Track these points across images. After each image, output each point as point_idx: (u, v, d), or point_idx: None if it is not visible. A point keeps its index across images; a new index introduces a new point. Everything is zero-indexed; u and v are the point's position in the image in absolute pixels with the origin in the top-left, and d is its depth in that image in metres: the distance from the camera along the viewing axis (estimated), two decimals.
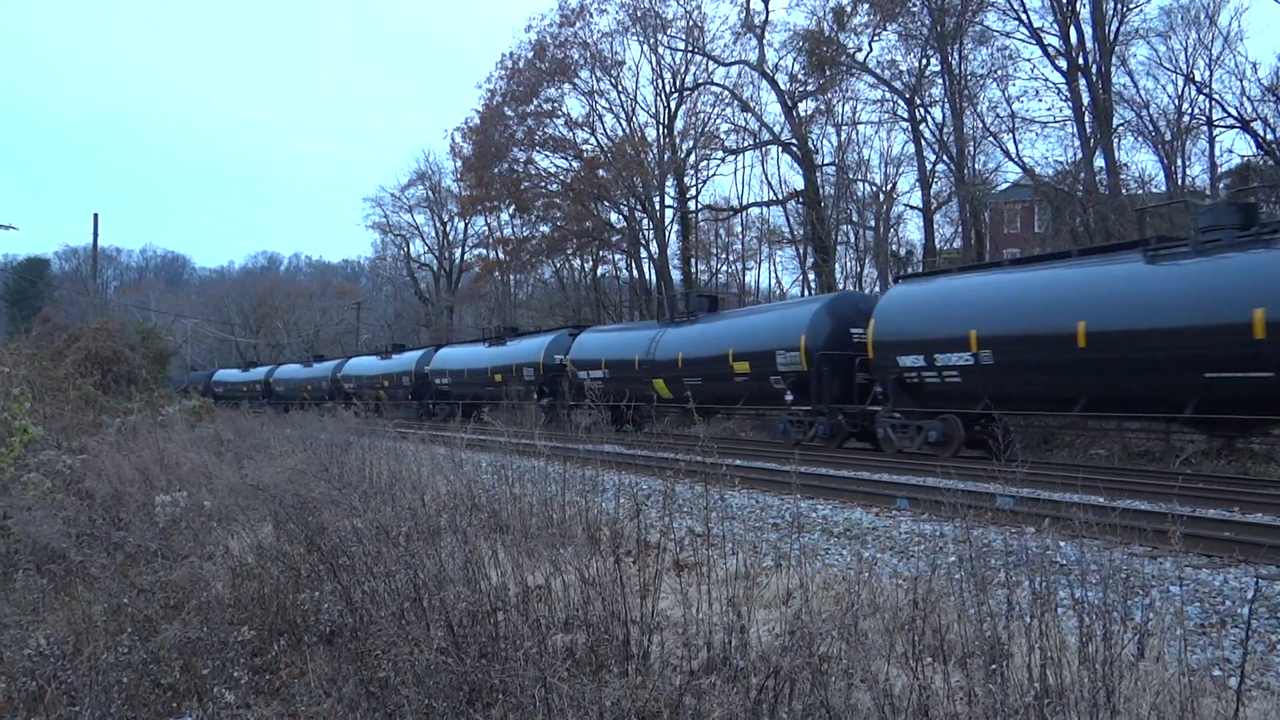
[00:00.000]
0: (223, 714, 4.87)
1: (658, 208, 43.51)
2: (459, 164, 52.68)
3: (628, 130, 44.86)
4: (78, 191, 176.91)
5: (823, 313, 21.50)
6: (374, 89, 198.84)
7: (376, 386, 46.58)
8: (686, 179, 44.58)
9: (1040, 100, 54.20)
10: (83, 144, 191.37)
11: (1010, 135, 33.01)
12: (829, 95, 38.71)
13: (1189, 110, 29.36)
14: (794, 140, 38.93)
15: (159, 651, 5.51)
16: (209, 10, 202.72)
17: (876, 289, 34.72)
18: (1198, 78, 28.26)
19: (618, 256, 49.14)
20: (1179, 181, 29.01)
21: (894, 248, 41.08)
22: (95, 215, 44.00)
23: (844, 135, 39.84)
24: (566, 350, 31.60)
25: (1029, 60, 33.16)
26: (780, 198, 43.14)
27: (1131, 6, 28.74)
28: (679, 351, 25.71)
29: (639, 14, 42.06)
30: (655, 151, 44.12)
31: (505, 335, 37.43)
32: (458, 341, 47.95)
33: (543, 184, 46.97)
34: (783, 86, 39.13)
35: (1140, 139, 30.80)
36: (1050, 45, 29.94)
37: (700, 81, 43.38)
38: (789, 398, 21.47)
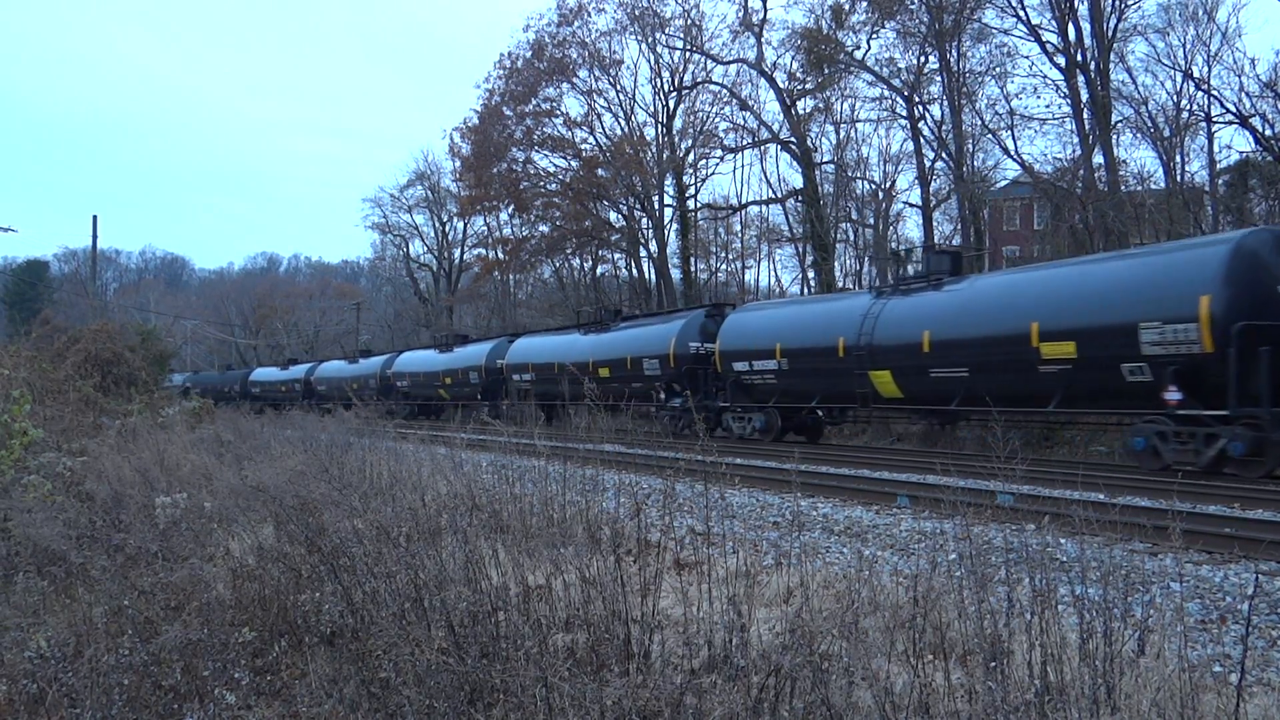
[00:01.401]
0: (224, 715, 4.87)
1: (657, 207, 43.56)
2: (458, 164, 52.79)
3: (626, 129, 44.91)
4: (76, 193, 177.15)
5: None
6: (373, 88, 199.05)
7: (436, 384, 42.99)
8: (685, 178, 44.61)
9: (1039, 97, 54.24)
10: (81, 145, 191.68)
11: (1009, 132, 33.05)
12: (827, 93, 38.75)
13: (1187, 106, 29.35)
14: (793, 138, 38.93)
15: (160, 653, 5.51)
16: (207, 9, 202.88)
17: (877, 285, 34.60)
18: (1196, 74, 28.25)
19: (617, 256, 49.21)
20: (1178, 178, 28.99)
21: (893, 245, 41.09)
22: (94, 217, 44.08)
23: (843, 133, 39.92)
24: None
25: (1027, 57, 33.23)
26: (779, 196, 43.18)
27: (1130, 3, 28.77)
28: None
29: (637, 13, 42.12)
30: (654, 150, 44.14)
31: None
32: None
33: (542, 183, 46.99)
34: (781, 85, 39.16)
35: (1139, 135, 30.80)
36: (1049, 42, 29.96)
37: (699, 80, 43.44)
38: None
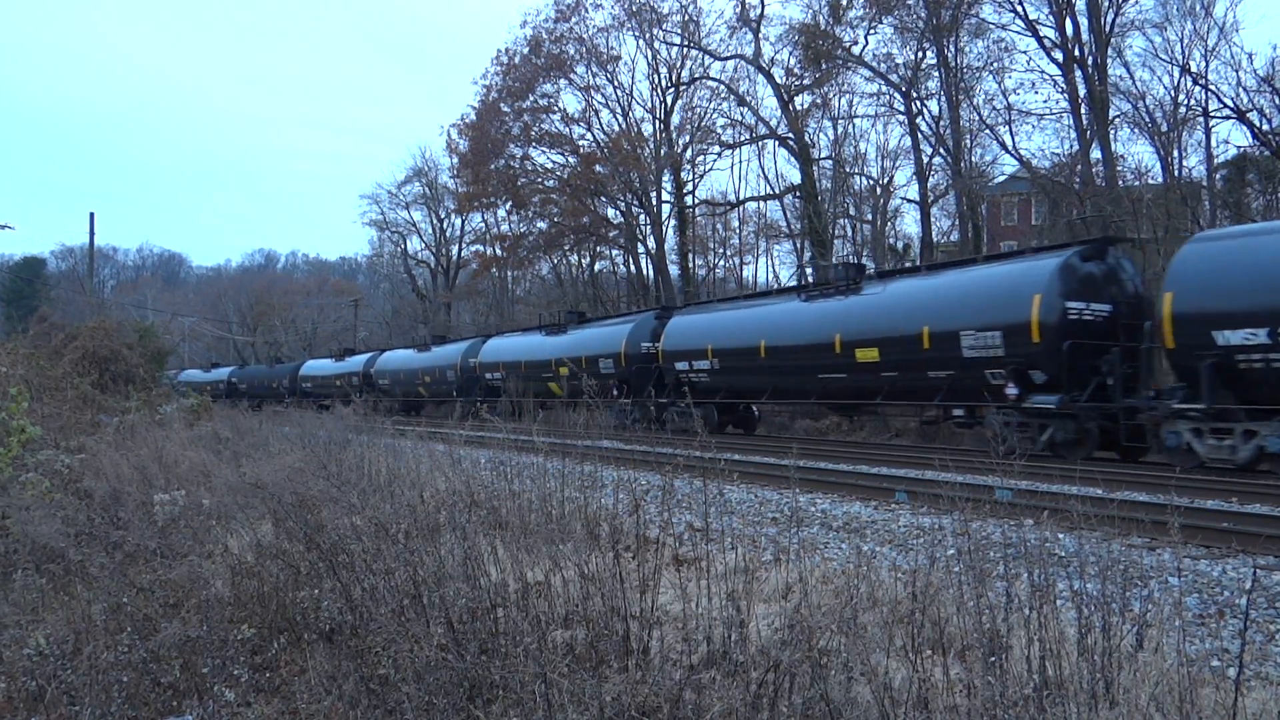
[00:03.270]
0: (223, 712, 4.87)
1: (655, 203, 43.52)
2: (455, 160, 52.73)
3: (624, 125, 44.87)
4: (73, 190, 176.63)
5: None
6: (371, 82, 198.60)
7: (548, 375, 42.78)
8: (683, 174, 44.61)
9: (1036, 92, 54.60)
10: (78, 141, 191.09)
11: (1007, 128, 33.06)
12: (825, 89, 38.74)
13: (1185, 101, 29.35)
14: (790, 134, 38.92)
15: (159, 650, 5.51)
16: (204, 2, 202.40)
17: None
18: (1194, 69, 28.24)
19: (615, 252, 49.19)
20: (1175, 173, 29.01)
21: (891, 241, 41.11)
22: (91, 214, 44.10)
23: (840, 129, 39.89)
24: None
25: (1025, 52, 33.39)
26: (777, 192, 43.16)
27: None
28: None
29: (635, 9, 42.06)
30: (652, 146, 44.11)
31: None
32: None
33: (539, 180, 46.98)
34: (779, 80, 39.14)
35: (1137, 130, 30.79)
36: (1046, 37, 29.95)
37: (696, 76, 43.40)
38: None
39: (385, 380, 44.42)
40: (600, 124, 45.29)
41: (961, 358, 17.40)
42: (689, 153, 44.41)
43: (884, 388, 19.52)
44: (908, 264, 33.33)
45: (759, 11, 39.83)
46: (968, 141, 34.35)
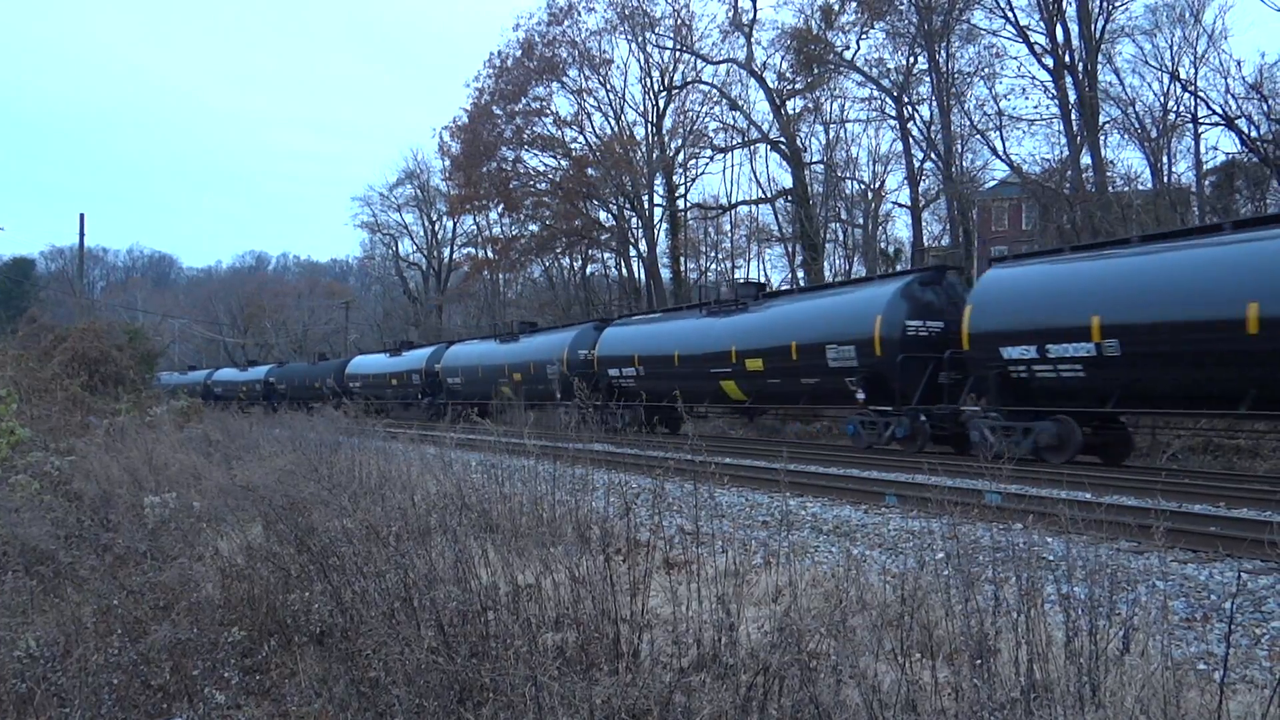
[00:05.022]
0: (213, 715, 4.87)
1: (647, 206, 43.59)
2: (447, 163, 52.80)
3: (616, 129, 44.93)
4: (63, 191, 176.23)
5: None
6: (362, 82, 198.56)
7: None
8: (675, 177, 44.69)
9: (1027, 98, 54.33)
10: (68, 141, 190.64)
11: (997, 133, 33.19)
12: (817, 93, 38.85)
13: (1174, 108, 29.53)
14: (782, 138, 39.03)
15: (149, 653, 5.50)
16: (194, 1, 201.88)
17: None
18: (1183, 75, 28.43)
19: (607, 255, 49.21)
20: (1165, 179, 29.17)
21: (882, 245, 41.20)
22: (81, 215, 43.83)
23: (832, 133, 40.00)
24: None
25: (1016, 58, 33.54)
26: (769, 196, 43.25)
27: (1117, 4, 28.95)
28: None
29: (627, 12, 42.14)
30: (644, 150, 44.17)
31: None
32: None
33: (531, 183, 47.00)
34: (771, 85, 39.23)
35: (1126, 136, 31.00)
36: (1037, 43, 30.13)
37: (688, 80, 43.51)
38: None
39: (458, 379, 37.34)
40: (592, 127, 45.39)
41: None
42: (681, 156, 44.53)
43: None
44: (899, 266, 33.71)
45: (751, 16, 40.03)
46: (959, 146, 34.51)
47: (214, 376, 64.06)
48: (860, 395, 19.19)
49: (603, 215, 46.13)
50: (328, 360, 54.50)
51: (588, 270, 51.40)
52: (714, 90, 42.62)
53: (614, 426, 25.73)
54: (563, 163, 45.87)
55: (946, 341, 18.24)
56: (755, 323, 23.46)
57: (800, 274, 39.58)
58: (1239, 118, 26.16)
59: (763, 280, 36.12)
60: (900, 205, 41.08)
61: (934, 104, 34.28)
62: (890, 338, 18.62)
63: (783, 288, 33.90)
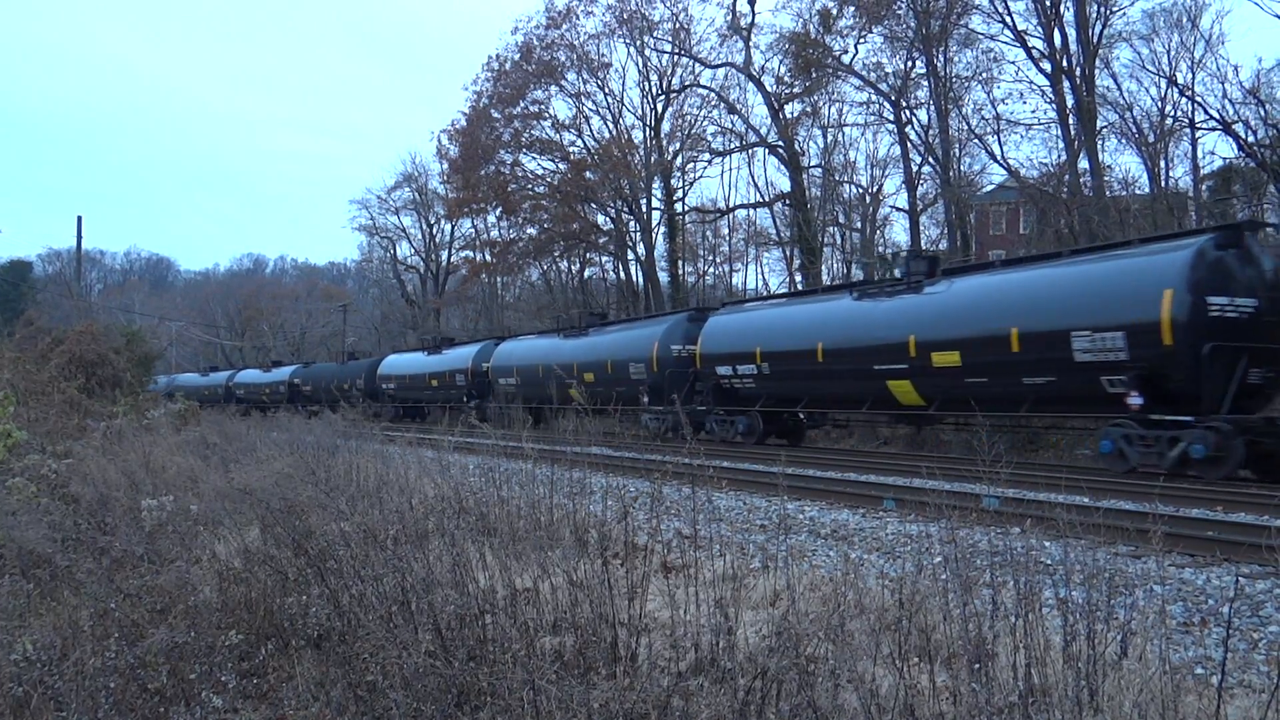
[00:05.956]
0: (210, 718, 4.86)
1: (645, 209, 43.56)
2: (445, 166, 52.71)
3: (614, 132, 44.91)
4: (61, 193, 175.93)
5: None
6: (360, 84, 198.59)
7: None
8: (673, 181, 44.67)
9: (1025, 102, 54.76)
10: (65, 143, 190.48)
11: (995, 137, 33.21)
12: (815, 97, 38.85)
13: (1172, 112, 29.59)
14: (780, 142, 39.03)
15: (146, 656, 5.49)
16: (192, 3, 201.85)
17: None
18: (1180, 80, 28.47)
19: (605, 258, 49.21)
20: (1162, 183, 29.21)
21: (880, 249, 41.20)
22: (79, 217, 43.83)
23: (830, 137, 40.01)
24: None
25: (1014, 63, 33.43)
26: (767, 199, 43.24)
27: (1115, 9, 28.97)
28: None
29: (625, 16, 42.14)
30: (642, 153, 44.16)
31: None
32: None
33: (530, 186, 46.95)
34: (769, 89, 39.25)
35: (1124, 141, 31.02)
36: (1034, 48, 30.13)
37: (687, 83, 43.49)
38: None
39: (512, 380, 32.91)
40: (591, 130, 45.37)
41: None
42: (679, 160, 44.51)
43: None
44: (895, 269, 33.62)
45: (750, 20, 40.01)
46: (956, 150, 34.52)
47: (236, 379, 61.27)
48: (1135, 400, 14.63)
49: (601, 219, 46.15)
50: (357, 360, 51.08)
51: (586, 273, 51.40)
52: (712, 94, 42.68)
53: (725, 438, 22.82)
54: (561, 166, 45.87)
55: (1259, 329, 14.19)
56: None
57: (799, 278, 39.60)
58: (1236, 123, 26.21)
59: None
60: (898, 209, 41.13)
61: (932, 108, 34.32)
62: (1187, 321, 13.92)
63: (972, 261, 28.55)
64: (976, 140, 33.68)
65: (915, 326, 18.37)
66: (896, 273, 20.85)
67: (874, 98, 36.65)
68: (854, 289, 21.37)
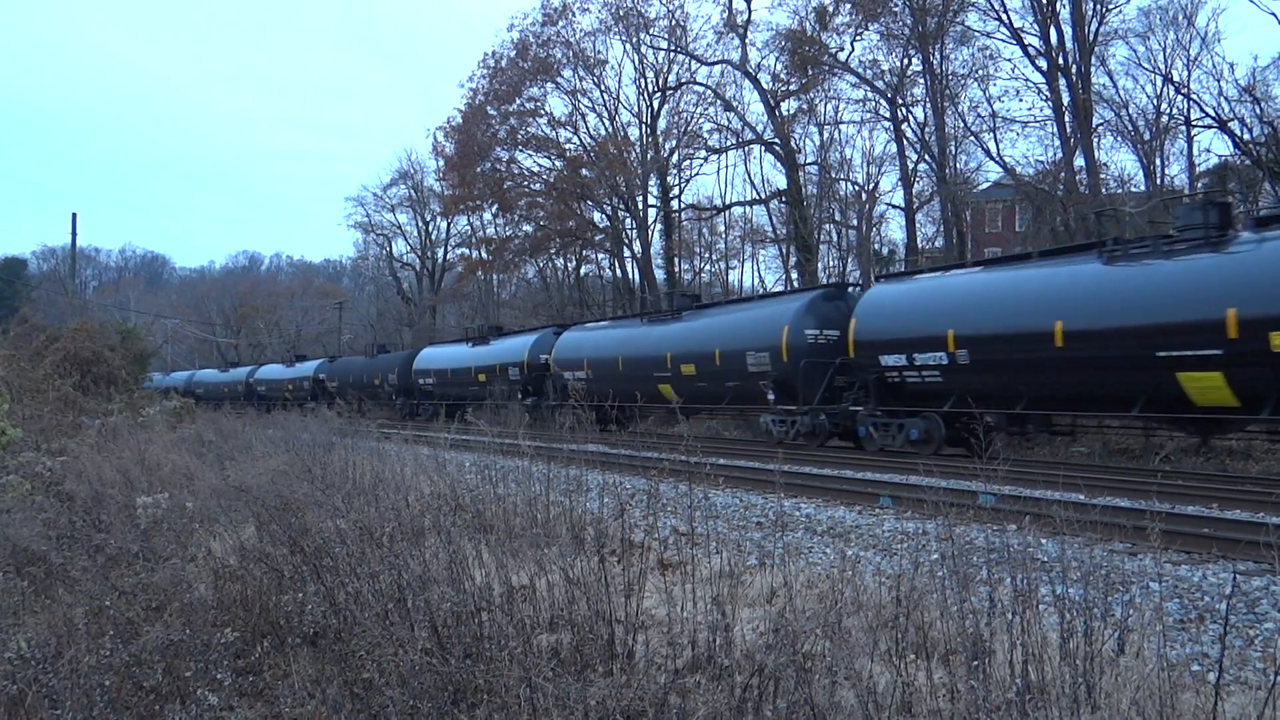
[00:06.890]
0: (206, 716, 4.85)
1: (641, 207, 43.58)
2: (441, 163, 52.62)
3: (611, 129, 44.91)
4: (55, 190, 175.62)
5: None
6: (355, 81, 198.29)
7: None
8: (670, 178, 44.67)
9: (1021, 100, 54.81)
10: (60, 140, 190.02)
11: (991, 135, 33.30)
12: (811, 95, 38.86)
13: (1167, 110, 29.70)
14: (777, 139, 39.03)
15: (141, 654, 5.48)
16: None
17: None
18: (1176, 78, 28.57)
19: (601, 256, 49.21)
20: (1158, 181, 29.28)
21: (876, 246, 41.26)
22: (74, 215, 43.92)
23: (826, 134, 40.02)
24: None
25: (1010, 60, 33.56)
26: (763, 197, 43.28)
27: (1111, 7, 29.02)
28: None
29: (621, 13, 42.12)
30: (638, 150, 44.17)
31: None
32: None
33: (526, 183, 46.95)
34: (765, 86, 39.25)
35: (1120, 139, 31.15)
36: (1030, 45, 30.17)
37: (683, 81, 43.49)
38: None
39: (581, 374, 29.11)
40: (587, 128, 45.37)
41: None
42: (675, 157, 44.53)
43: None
44: (893, 268, 33.72)
45: (746, 17, 40.03)
46: (952, 148, 34.57)
47: (256, 375, 57.69)
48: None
49: (597, 216, 46.15)
50: (389, 353, 46.77)
51: (582, 271, 51.40)
52: (708, 91, 42.68)
53: (884, 445, 19.16)
54: (557, 163, 45.86)
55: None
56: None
57: (795, 275, 39.62)
58: (1232, 120, 26.28)
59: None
60: (894, 207, 41.19)
61: (928, 106, 34.37)
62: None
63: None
64: (972, 138, 33.78)
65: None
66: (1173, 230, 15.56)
67: (870, 95, 36.71)
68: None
